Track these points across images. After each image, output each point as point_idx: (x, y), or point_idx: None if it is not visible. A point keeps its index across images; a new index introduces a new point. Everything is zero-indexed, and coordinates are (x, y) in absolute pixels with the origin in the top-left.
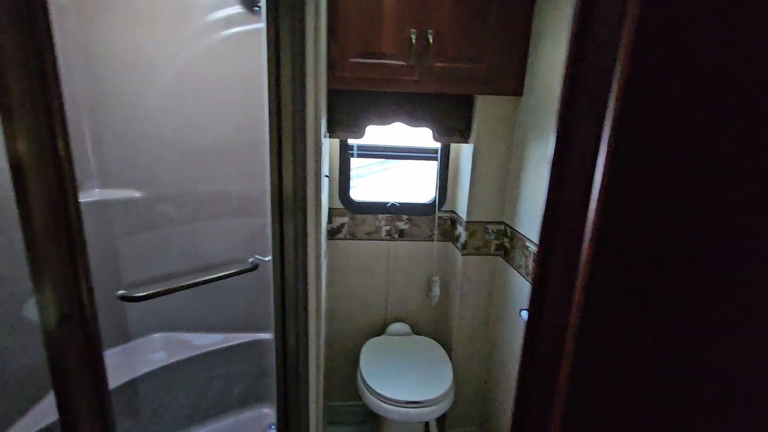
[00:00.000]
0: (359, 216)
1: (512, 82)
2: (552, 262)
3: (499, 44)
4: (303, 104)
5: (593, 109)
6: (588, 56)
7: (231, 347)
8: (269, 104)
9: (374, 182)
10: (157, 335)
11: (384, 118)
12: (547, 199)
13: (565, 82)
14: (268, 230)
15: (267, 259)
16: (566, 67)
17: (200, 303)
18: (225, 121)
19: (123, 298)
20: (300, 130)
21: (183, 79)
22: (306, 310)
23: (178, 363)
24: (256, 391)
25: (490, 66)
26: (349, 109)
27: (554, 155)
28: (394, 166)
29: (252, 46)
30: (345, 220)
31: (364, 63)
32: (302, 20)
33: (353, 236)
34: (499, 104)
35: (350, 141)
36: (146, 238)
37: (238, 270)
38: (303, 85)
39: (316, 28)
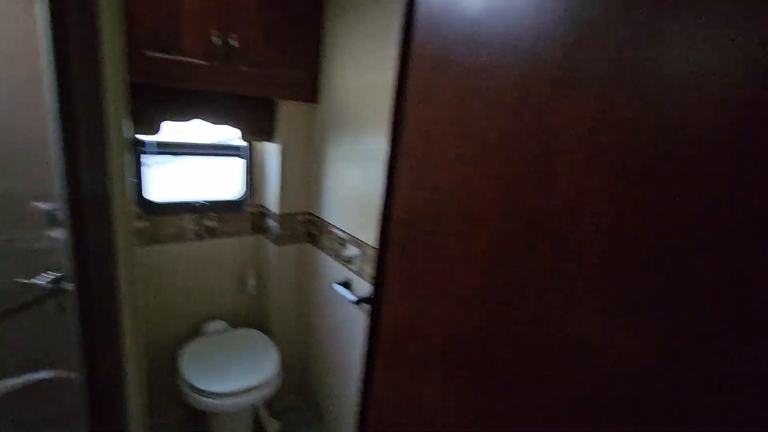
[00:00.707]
0: (160, 218)
1: (309, 90)
2: (387, 256)
3: (297, 56)
4: (100, 91)
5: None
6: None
7: None
8: (58, 92)
9: (163, 180)
10: None
11: (184, 115)
12: (383, 205)
13: (394, 104)
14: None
15: (38, 282)
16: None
17: None
18: None
19: None
20: (99, 124)
21: None
22: (119, 332)
23: None
24: None
25: (290, 74)
26: (143, 103)
27: (387, 170)
28: (169, 162)
29: None
30: (143, 223)
31: (161, 58)
32: None
33: (156, 240)
34: (301, 108)
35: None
36: None
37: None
38: (99, 69)
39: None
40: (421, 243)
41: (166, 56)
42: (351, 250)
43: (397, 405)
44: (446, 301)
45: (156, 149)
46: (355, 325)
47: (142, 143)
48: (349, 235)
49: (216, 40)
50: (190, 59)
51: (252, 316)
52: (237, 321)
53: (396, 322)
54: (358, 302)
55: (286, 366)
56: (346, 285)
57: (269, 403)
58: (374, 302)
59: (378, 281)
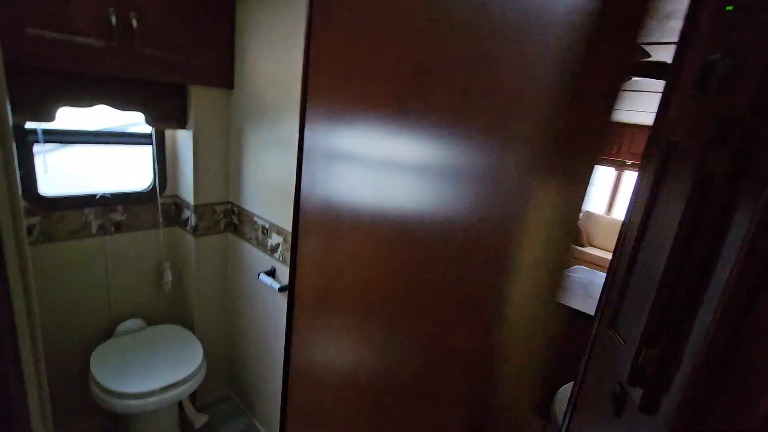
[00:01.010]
0: (56, 213)
1: (223, 76)
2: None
3: (208, 40)
4: None
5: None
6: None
7: None
8: None
9: (59, 172)
10: None
11: (84, 100)
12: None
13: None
14: None
15: None
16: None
17: None
18: None
19: None
20: None
21: None
22: (17, 349)
23: None
24: None
25: (201, 59)
26: (34, 87)
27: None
28: (66, 152)
29: None
30: (35, 220)
31: (46, 36)
32: None
33: (51, 238)
34: (215, 94)
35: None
36: None
37: None
38: None
39: None
40: (320, 230)
41: (52, 34)
42: (274, 239)
43: (310, 383)
44: (341, 284)
45: (51, 138)
46: (281, 312)
47: (33, 131)
48: (272, 223)
49: (113, 18)
50: (84, 39)
51: (172, 312)
52: (155, 317)
53: (302, 304)
54: (282, 290)
55: (211, 358)
56: (272, 273)
57: (195, 398)
58: (290, 288)
59: (293, 267)
